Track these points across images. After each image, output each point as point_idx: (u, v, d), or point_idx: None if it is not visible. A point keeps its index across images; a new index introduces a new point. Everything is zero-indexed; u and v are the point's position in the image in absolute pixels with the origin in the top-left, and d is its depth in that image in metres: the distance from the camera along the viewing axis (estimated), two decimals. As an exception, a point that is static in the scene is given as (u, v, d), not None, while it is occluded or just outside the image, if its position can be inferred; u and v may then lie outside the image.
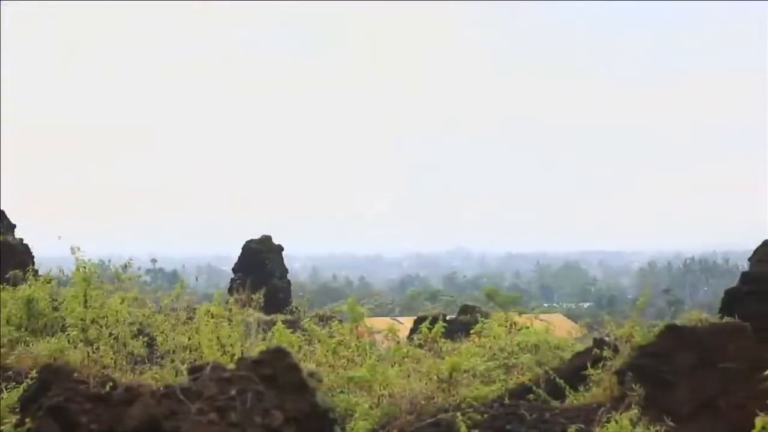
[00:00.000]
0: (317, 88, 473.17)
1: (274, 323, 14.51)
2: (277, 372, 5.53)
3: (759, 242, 12.99)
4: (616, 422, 9.45)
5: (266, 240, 35.06)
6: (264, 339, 13.85)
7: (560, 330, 22.25)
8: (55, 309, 14.34)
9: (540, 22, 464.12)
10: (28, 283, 15.19)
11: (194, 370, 5.57)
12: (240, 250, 35.04)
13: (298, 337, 14.41)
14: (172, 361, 12.64)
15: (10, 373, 10.72)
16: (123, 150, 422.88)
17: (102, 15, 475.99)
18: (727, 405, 10.97)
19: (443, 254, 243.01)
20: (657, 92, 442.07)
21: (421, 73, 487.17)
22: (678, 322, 12.30)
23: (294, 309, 28.84)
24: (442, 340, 15.40)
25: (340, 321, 16.14)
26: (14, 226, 26.00)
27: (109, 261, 16.60)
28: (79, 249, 13.03)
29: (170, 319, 14.25)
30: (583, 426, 10.18)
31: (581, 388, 12.03)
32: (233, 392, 5.28)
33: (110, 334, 12.55)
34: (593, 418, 10.28)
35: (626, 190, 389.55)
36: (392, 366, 12.88)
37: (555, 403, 11.73)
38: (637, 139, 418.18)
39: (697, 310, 12.52)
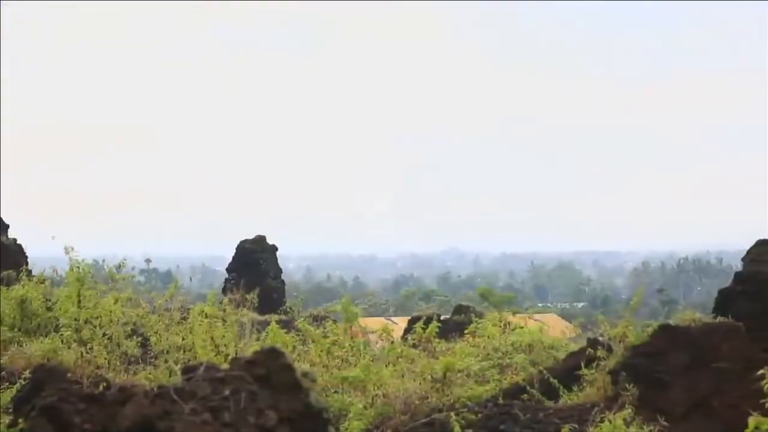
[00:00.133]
0: (317, 88, 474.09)
1: (268, 323, 14.52)
2: (270, 372, 5.53)
3: (752, 242, 13.03)
4: (610, 422, 9.46)
5: (260, 240, 35.02)
6: (258, 339, 13.84)
7: (554, 330, 22.29)
8: (49, 309, 14.33)
9: (540, 22, 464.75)
10: (22, 283, 15.18)
11: (188, 371, 5.57)
12: (234, 250, 35.01)
13: (292, 337, 14.41)
14: (166, 361, 12.64)
15: (3, 373, 10.69)
16: (119, 150, 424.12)
17: (102, 14, 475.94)
18: (720, 405, 11.00)
19: (437, 254, 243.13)
20: (656, 92, 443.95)
21: (420, 73, 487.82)
22: (671, 322, 12.32)
23: (288, 309, 28.79)
24: (437, 340, 15.43)
25: (334, 321, 16.18)
26: (7, 226, 25.93)
27: (103, 261, 16.64)
28: (72, 249, 13.05)
29: (164, 319, 14.24)
30: (576, 426, 10.20)
31: (575, 388, 12.04)
32: (227, 392, 5.28)
33: (104, 335, 12.54)
34: (587, 418, 10.30)
35: (620, 191, 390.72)
36: (386, 366, 12.89)
37: (549, 403, 11.74)
38: (633, 140, 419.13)
39: (690, 310, 12.54)
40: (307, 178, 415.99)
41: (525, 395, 12.01)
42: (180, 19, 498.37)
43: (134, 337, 13.04)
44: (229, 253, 35.72)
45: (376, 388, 11.96)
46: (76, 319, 12.62)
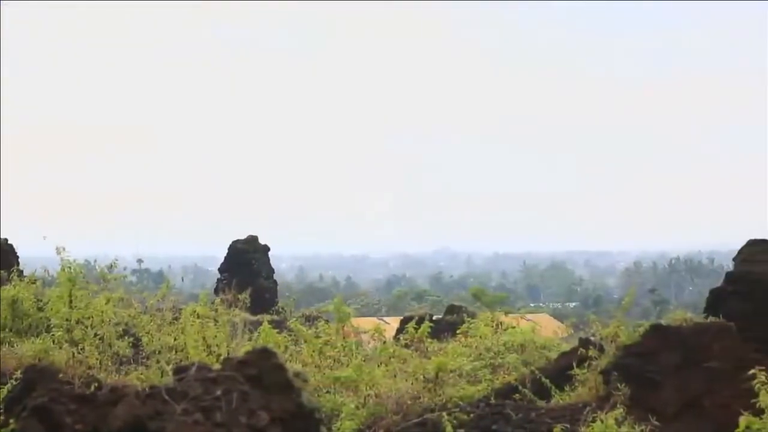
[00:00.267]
0: (316, 88, 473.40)
1: (260, 323, 14.50)
2: (262, 372, 5.52)
3: (744, 242, 13.06)
4: (602, 422, 9.48)
5: (252, 240, 35.02)
6: (250, 339, 13.82)
7: (546, 330, 22.33)
8: (40, 309, 14.26)
9: (540, 22, 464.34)
10: (13, 283, 15.11)
11: (179, 371, 5.56)
12: (226, 250, 34.99)
13: (285, 337, 14.40)
14: (158, 361, 12.61)
15: (-6, 373, 10.66)
16: (119, 150, 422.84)
17: (102, 14, 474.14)
18: (711, 404, 11.03)
19: (430, 254, 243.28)
20: (656, 92, 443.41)
21: (420, 73, 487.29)
22: (663, 321, 12.34)
23: (280, 309, 28.80)
24: (429, 340, 15.43)
25: (327, 321, 16.16)
26: (-2, 225, 25.83)
27: (95, 261, 16.58)
28: (64, 249, 13.01)
29: (156, 319, 14.20)
30: (568, 425, 10.21)
31: (567, 388, 12.06)
32: (218, 392, 5.27)
33: (95, 335, 12.51)
34: (579, 418, 10.31)
35: (618, 191, 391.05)
36: (378, 366, 12.89)
37: (541, 403, 11.76)
38: (633, 140, 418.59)
39: (682, 310, 12.56)
40: (307, 178, 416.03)
41: (517, 395, 12.02)
42: (180, 19, 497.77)
43: (126, 338, 12.99)
44: (221, 253, 35.74)
45: (368, 388, 11.95)
46: (67, 320, 12.58)
